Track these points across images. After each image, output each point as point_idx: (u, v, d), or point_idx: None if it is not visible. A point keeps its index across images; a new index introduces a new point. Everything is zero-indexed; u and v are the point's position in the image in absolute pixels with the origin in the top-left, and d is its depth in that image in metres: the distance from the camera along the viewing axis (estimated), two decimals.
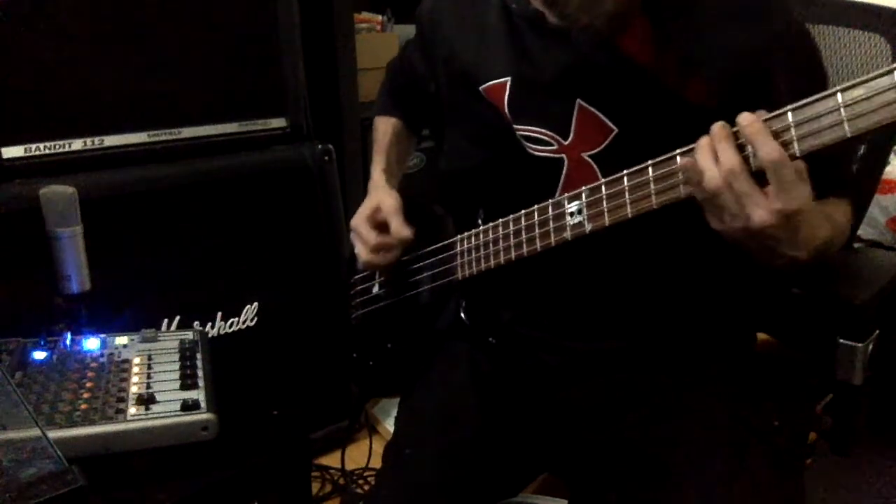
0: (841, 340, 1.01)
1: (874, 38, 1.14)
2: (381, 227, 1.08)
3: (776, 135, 0.70)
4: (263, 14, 1.49)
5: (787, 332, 1.12)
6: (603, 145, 0.91)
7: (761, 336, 1.10)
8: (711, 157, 0.72)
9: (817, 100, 0.68)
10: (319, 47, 1.74)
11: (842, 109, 0.66)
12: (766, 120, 0.70)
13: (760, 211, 0.70)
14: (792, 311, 1.08)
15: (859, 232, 1.60)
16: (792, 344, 1.13)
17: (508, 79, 0.96)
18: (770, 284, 1.02)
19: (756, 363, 1.04)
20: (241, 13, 1.46)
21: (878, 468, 1.83)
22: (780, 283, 1.04)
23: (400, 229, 1.05)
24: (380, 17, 2.22)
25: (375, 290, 1.17)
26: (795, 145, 0.69)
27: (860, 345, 1.00)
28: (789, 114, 0.69)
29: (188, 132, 1.44)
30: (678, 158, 0.76)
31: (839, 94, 0.66)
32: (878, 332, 1.02)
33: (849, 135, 0.65)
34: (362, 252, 1.09)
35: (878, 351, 1.02)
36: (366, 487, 1.73)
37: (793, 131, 0.69)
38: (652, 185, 0.78)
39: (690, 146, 0.75)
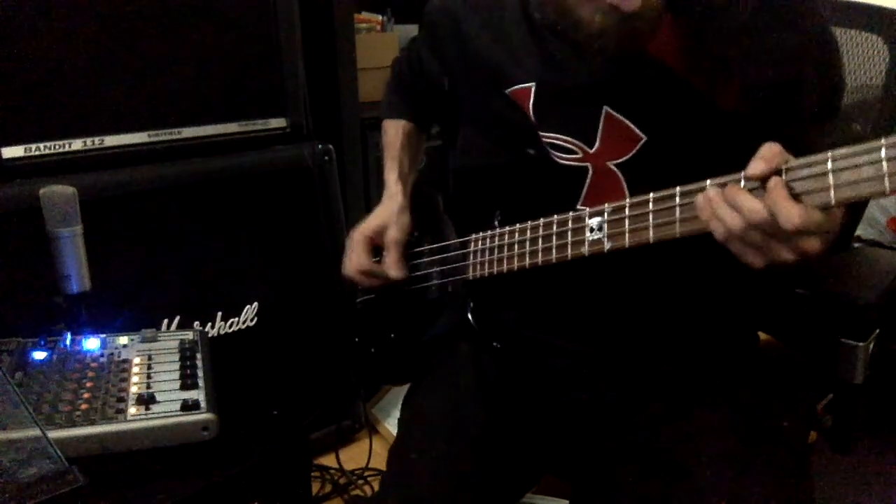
0: (842, 340, 1.01)
1: (871, 39, 1.14)
2: (379, 248, 1.09)
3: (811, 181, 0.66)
4: (263, 14, 1.49)
5: (789, 331, 1.12)
6: (630, 154, 0.89)
7: (762, 336, 1.10)
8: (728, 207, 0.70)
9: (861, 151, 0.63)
10: (319, 47, 1.74)
11: (884, 164, 0.61)
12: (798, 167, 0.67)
13: (786, 254, 0.68)
14: (794, 311, 1.08)
15: (859, 232, 1.60)
16: (793, 344, 1.13)
17: (533, 84, 0.95)
18: (773, 285, 1.02)
19: (760, 363, 1.04)
20: (241, 13, 1.46)
21: (878, 468, 1.83)
22: (784, 284, 1.04)
23: (392, 269, 1.06)
24: (380, 17, 2.22)
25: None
26: (832, 194, 0.65)
27: (861, 344, 1.00)
28: (829, 161, 0.64)
29: (188, 132, 1.44)
30: (709, 188, 0.73)
31: (884, 149, 0.61)
32: (878, 331, 1.02)
33: (888, 191, 0.62)
34: (348, 268, 1.11)
35: (879, 350, 1.02)
36: (365, 488, 1.73)
37: (830, 178, 0.65)
38: (678, 212, 0.75)
39: (721, 178, 0.72)
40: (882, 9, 1.15)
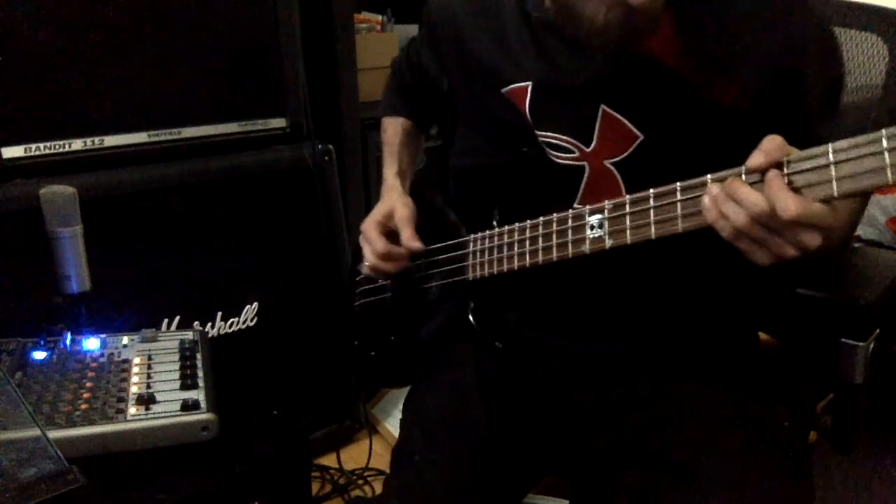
0: (842, 340, 1.01)
1: (871, 39, 1.14)
2: (392, 234, 1.08)
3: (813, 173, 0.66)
4: (263, 14, 1.49)
5: (789, 331, 1.12)
6: (626, 153, 0.89)
7: (762, 336, 1.10)
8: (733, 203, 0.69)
9: (862, 142, 0.63)
10: (319, 47, 1.74)
11: (886, 154, 0.61)
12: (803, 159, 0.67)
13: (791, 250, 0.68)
14: (794, 311, 1.08)
15: (859, 232, 1.60)
16: (793, 344, 1.13)
17: (530, 83, 0.95)
18: (773, 285, 1.02)
19: (760, 363, 1.04)
20: (241, 13, 1.46)
21: (878, 468, 1.83)
22: (785, 284, 1.04)
23: (410, 240, 1.05)
24: (380, 17, 2.21)
25: (381, 280, 1.17)
26: (834, 186, 0.65)
27: (861, 344, 1.00)
28: (830, 153, 0.65)
29: (188, 132, 1.44)
30: (709, 183, 0.73)
31: (885, 140, 0.61)
32: (878, 331, 1.02)
33: (890, 182, 0.62)
34: (370, 258, 1.09)
35: (879, 350, 1.02)
36: (366, 488, 1.73)
37: (832, 170, 0.65)
38: (679, 208, 0.75)
39: (721, 173, 0.72)
40: (882, 9, 1.15)
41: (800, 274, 1.03)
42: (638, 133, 0.89)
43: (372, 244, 1.08)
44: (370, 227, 1.09)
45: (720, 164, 0.73)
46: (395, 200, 1.10)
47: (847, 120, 0.92)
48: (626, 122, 0.89)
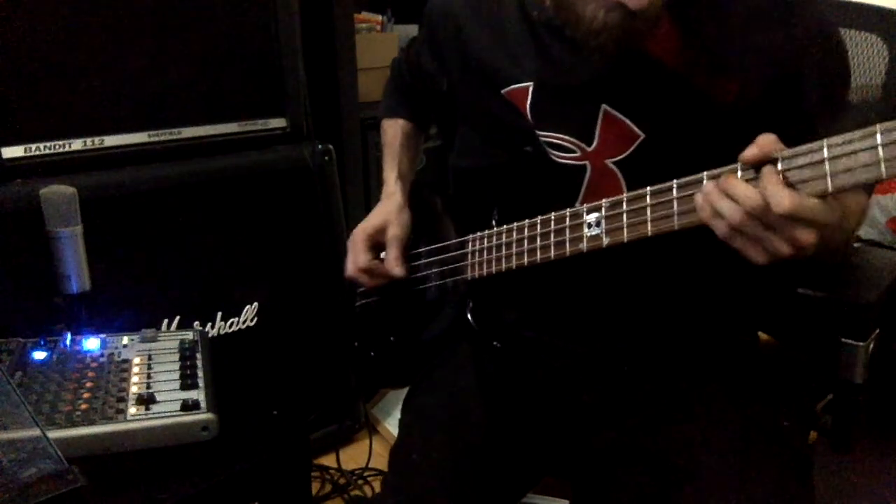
0: (842, 340, 1.01)
1: (871, 38, 1.14)
2: (380, 246, 1.09)
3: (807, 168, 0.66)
4: (263, 14, 1.49)
5: (789, 331, 1.12)
6: (628, 152, 0.89)
7: (762, 336, 1.10)
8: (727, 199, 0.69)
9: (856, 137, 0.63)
10: (319, 47, 1.74)
11: (880, 149, 0.61)
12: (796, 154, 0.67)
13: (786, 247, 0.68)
14: (794, 311, 1.08)
15: (859, 232, 1.60)
16: (793, 344, 1.13)
17: (531, 84, 0.95)
18: (773, 285, 1.02)
19: (760, 363, 1.04)
20: (241, 13, 1.46)
21: (878, 468, 1.83)
22: (785, 284, 1.04)
23: (394, 265, 1.07)
24: (380, 17, 2.22)
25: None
26: (829, 181, 0.65)
27: (861, 344, 1.00)
28: (825, 148, 0.64)
29: (188, 132, 1.44)
30: (705, 181, 0.73)
31: (879, 135, 0.61)
32: (878, 331, 1.02)
33: (885, 176, 0.62)
34: (349, 268, 1.11)
35: (879, 350, 1.02)
36: (365, 488, 1.73)
37: (827, 166, 0.64)
38: (675, 206, 0.75)
39: (717, 170, 0.72)
40: (882, 9, 1.15)
41: (800, 274, 1.03)
42: (639, 132, 0.89)
43: (355, 256, 1.10)
44: (359, 238, 1.10)
45: (722, 163, 0.73)
46: (391, 215, 1.10)
47: (849, 119, 0.91)
48: (627, 121, 0.89)
